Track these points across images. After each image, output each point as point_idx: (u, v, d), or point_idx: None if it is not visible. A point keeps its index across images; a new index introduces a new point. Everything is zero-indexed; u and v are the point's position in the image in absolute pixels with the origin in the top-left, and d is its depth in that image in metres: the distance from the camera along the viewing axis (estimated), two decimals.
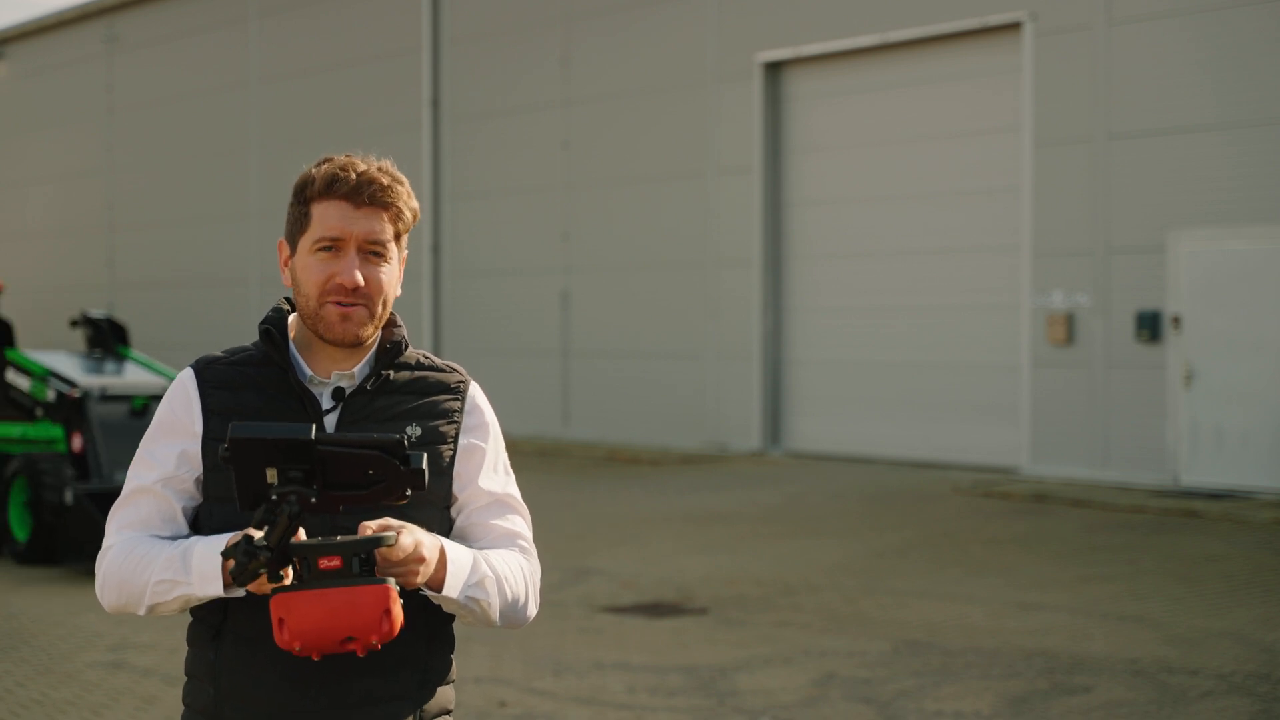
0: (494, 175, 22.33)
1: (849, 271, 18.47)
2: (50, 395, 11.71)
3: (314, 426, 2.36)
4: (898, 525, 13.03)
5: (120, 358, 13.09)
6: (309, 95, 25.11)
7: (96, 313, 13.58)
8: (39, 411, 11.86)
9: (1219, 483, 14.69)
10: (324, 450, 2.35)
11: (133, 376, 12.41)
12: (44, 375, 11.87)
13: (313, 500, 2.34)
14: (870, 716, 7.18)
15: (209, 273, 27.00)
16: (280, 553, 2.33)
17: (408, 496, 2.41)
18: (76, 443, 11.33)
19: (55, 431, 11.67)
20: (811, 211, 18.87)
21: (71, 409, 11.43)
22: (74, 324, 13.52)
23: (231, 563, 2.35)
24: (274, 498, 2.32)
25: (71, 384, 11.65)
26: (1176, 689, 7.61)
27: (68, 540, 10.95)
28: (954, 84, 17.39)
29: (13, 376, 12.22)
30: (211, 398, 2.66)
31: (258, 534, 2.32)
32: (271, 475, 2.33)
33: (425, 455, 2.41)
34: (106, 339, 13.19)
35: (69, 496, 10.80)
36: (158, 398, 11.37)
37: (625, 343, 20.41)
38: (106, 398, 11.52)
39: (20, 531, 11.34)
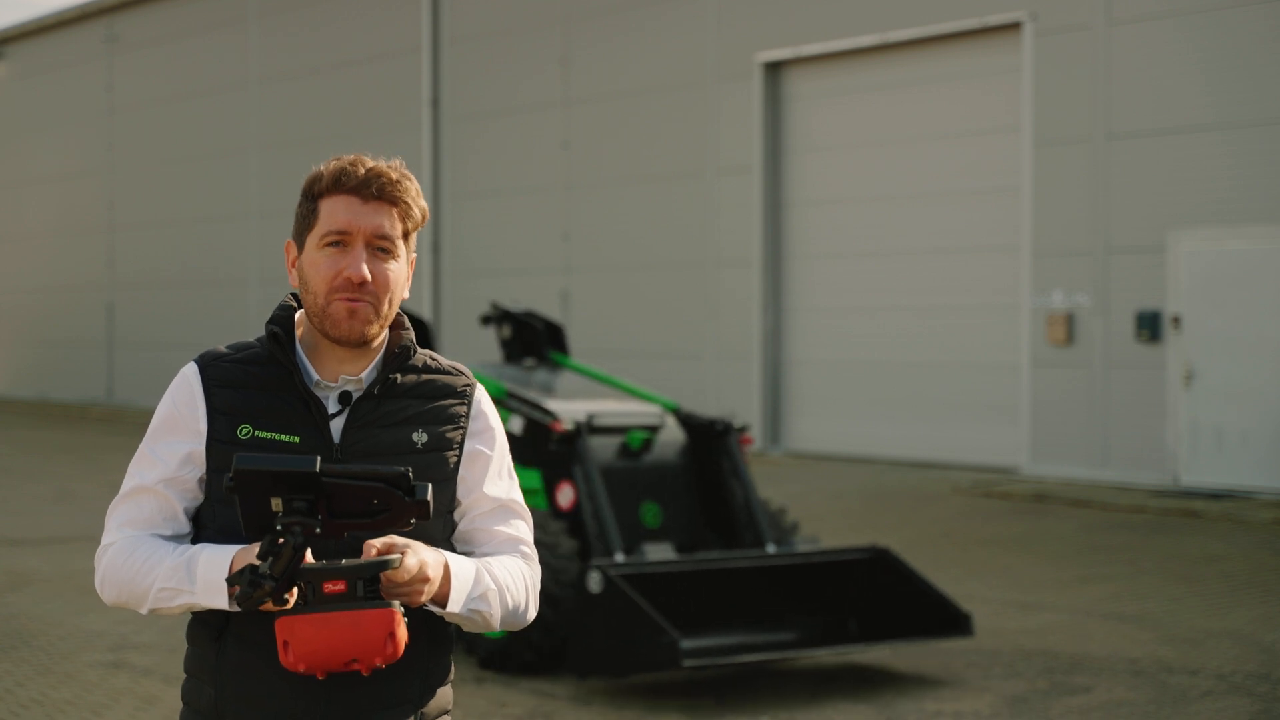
0: (494, 175, 22.34)
1: (849, 271, 18.47)
2: (515, 426, 8.49)
3: (318, 459, 2.35)
4: (898, 525, 13.03)
5: (555, 367, 9.79)
6: (309, 95, 25.11)
7: (517, 307, 10.16)
8: None
9: (1219, 483, 14.69)
10: (329, 481, 2.35)
11: (614, 402, 9.13)
12: (500, 396, 8.71)
13: (317, 530, 2.35)
14: (870, 716, 7.18)
15: (209, 273, 27.00)
16: (285, 580, 2.34)
17: (412, 525, 2.42)
18: (566, 496, 8.22)
19: (526, 479, 8.26)
20: (811, 211, 18.87)
21: (558, 448, 8.29)
22: (486, 321, 10.18)
23: (236, 589, 2.35)
24: (278, 528, 2.33)
25: (547, 412, 8.47)
26: (1176, 689, 7.61)
27: (587, 646, 7.49)
28: (954, 84, 17.39)
29: None
30: (216, 396, 2.63)
31: (262, 564, 2.33)
32: (276, 504, 2.34)
33: (430, 487, 2.41)
34: (539, 343, 9.85)
35: (594, 581, 7.37)
36: (654, 430, 8.64)
37: (625, 343, 20.41)
38: (593, 430, 8.45)
39: None
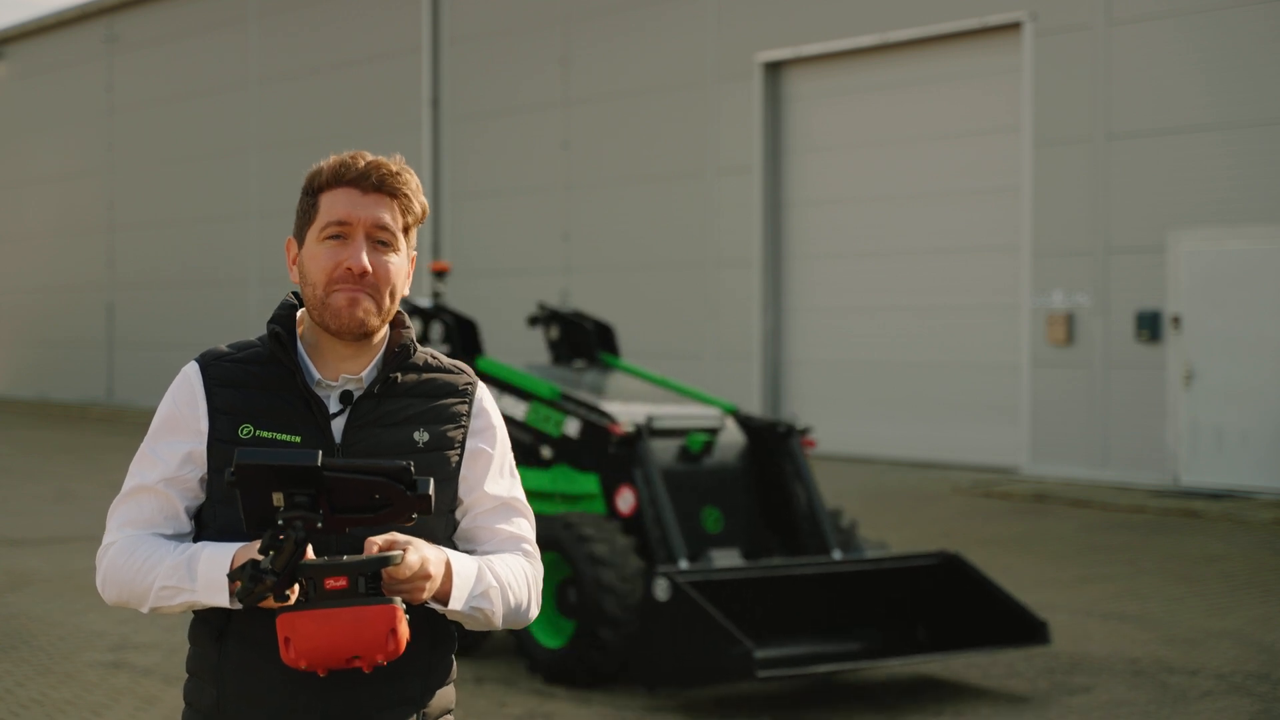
0: (494, 175, 22.34)
1: (849, 271, 18.48)
2: (571, 429, 8.26)
3: (320, 453, 2.35)
4: (898, 525, 13.02)
5: (605, 368, 9.49)
6: (309, 95, 25.11)
7: (566, 307, 9.93)
8: (545, 451, 8.38)
9: (1219, 483, 14.69)
10: (330, 476, 2.35)
11: (671, 404, 8.82)
12: (555, 398, 8.41)
13: (319, 525, 2.35)
14: (870, 716, 7.19)
15: (209, 273, 27.00)
16: (287, 575, 2.34)
17: (414, 519, 2.42)
18: (626, 501, 7.89)
19: (584, 483, 8.18)
20: (811, 211, 18.88)
21: (617, 451, 7.99)
22: (533, 321, 9.82)
23: (238, 584, 2.36)
24: (280, 523, 2.32)
25: (605, 414, 8.20)
26: (1176, 689, 7.62)
27: (653, 656, 7.25)
28: (954, 84, 17.39)
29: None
30: (217, 396, 2.63)
31: (264, 558, 2.33)
32: (277, 499, 2.33)
33: (431, 481, 2.40)
34: (589, 344, 9.56)
35: (661, 589, 7.11)
36: (714, 433, 8.37)
37: (626, 343, 20.28)
38: (652, 433, 8.13)
39: (549, 636, 7.70)
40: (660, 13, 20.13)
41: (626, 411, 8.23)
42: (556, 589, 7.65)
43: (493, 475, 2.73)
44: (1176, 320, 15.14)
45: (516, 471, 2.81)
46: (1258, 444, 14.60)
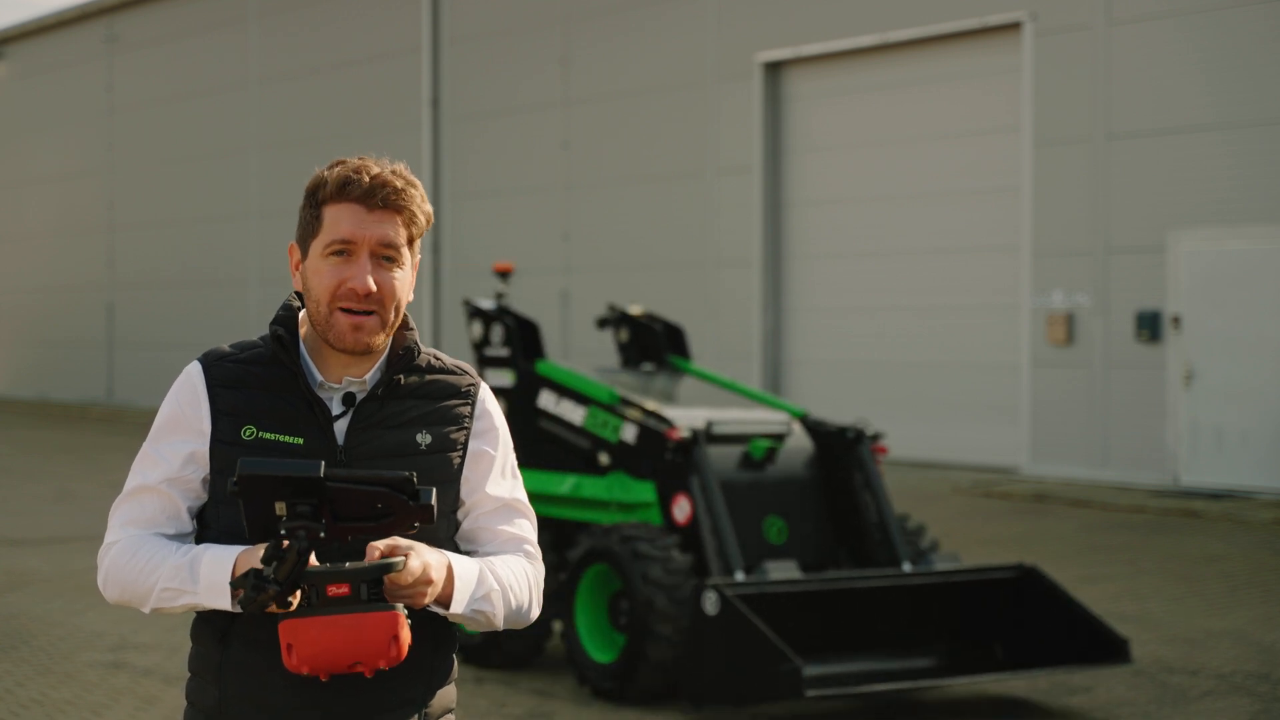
0: (494, 175, 22.34)
1: (849, 271, 18.48)
2: (628, 434, 7.97)
3: (322, 464, 2.35)
4: None
5: (675, 372, 9.20)
6: (309, 95, 25.12)
7: (636, 309, 9.59)
8: (603, 458, 8.09)
9: (1219, 483, 14.69)
10: (333, 486, 2.36)
11: (736, 409, 8.49)
12: (613, 403, 8.10)
13: (321, 535, 2.36)
14: (870, 717, 7.19)
15: (209, 273, 27.00)
16: (289, 583, 2.34)
17: (416, 528, 2.43)
18: (682, 509, 7.56)
19: (640, 491, 7.84)
20: (811, 211, 18.87)
21: (674, 458, 7.66)
22: (603, 323, 9.62)
23: (240, 592, 2.36)
24: (282, 533, 2.33)
25: (662, 419, 7.84)
26: (1176, 689, 7.62)
27: (702, 672, 6.96)
28: (954, 84, 17.39)
29: (551, 402, 8.39)
30: (220, 397, 2.63)
31: (266, 568, 2.33)
32: (280, 508, 2.34)
33: (434, 491, 2.41)
34: (658, 347, 9.26)
35: (710, 602, 6.83)
36: (780, 439, 8.02)
37: None
38: (712, 439, 7.80)
39: (600, 650, 7.47)
40: (660, 13, 20.13)
41: (688, 416, 7.90)
42: (609, 602, 7.45)
43: (494, 477, 2.73)
44: (1176, 320, 15.14)
45: (519, 473, 2.82)
46: (1258, 444, 14.60)
